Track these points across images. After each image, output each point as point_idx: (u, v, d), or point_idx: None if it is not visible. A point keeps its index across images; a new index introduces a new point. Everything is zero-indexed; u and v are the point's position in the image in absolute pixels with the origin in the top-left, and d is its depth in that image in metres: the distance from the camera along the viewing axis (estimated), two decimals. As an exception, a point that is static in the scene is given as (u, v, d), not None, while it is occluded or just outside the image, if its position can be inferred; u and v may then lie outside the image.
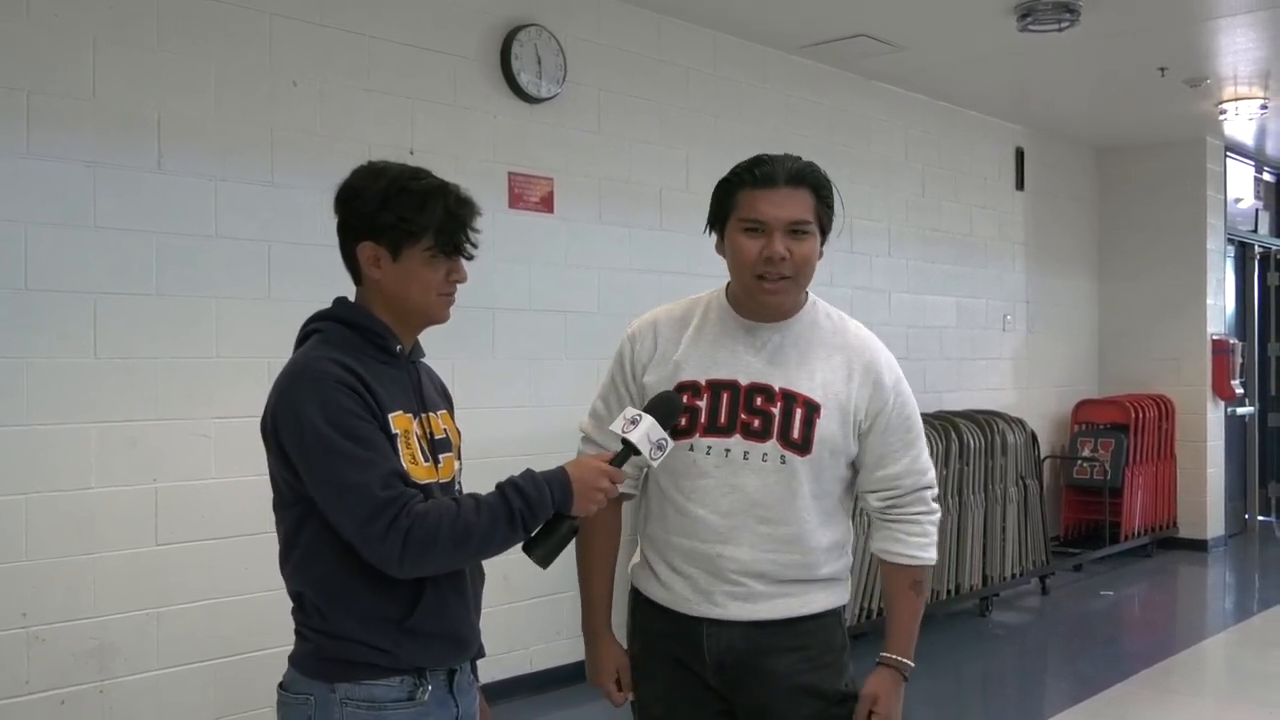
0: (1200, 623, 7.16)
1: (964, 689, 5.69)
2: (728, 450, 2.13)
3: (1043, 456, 7.76)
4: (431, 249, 1.91)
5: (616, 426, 2.00)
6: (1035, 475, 7.29)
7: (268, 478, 1.95)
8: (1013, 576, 7.00)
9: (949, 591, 6.42)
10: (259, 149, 4.22)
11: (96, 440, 3.82)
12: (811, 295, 2.25)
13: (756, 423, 2.12)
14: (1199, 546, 8.81)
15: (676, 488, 2.17)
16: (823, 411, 2.13)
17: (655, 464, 2.03)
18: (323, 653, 1.87)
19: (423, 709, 1.90)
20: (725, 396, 2.14)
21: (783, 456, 2.12)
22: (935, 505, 2.24)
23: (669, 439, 2.01)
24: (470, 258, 1.97)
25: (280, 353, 1.95)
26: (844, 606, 2.28)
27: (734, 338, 2.18)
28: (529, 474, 1.89)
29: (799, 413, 2.12)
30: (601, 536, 2.29)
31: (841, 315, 2.26)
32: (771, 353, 2.15)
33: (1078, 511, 8.58)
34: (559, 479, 1.90)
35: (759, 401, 2.13)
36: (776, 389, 2.13)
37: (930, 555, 2.22)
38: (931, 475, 2.24)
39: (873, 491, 2.21)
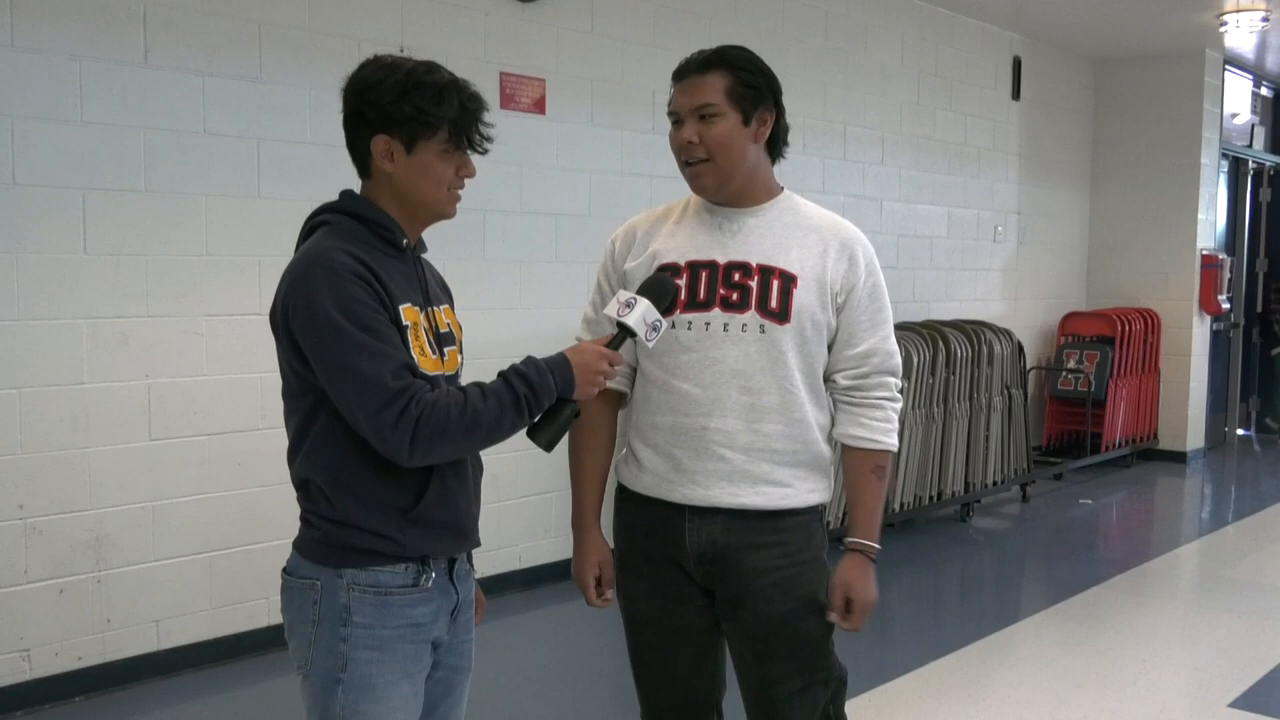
0: (1175, 531, 7.31)
1: (943, 590, 5.82)
2: (707, 324, 2.16)
3: (1028, 367, 7.83)
4: (446, 143, 1.91)
5: (611, 310, 2.03)
6: (1020, 385, 7.37)
7: (259, 376, 1.97)
8: (994, 484, 7.11)
9: (931, 497, 6.53)
10: (247, 44, 4.16)
11: (88, 336, 3.84)
12: (788, 190, 2.28)
13: (735, 296, 2.16)
14: (1178, 458, 8.94)
15: (659, 366, 2.20)
16: (799, 282, 2.16)
17: (650, 344, 2.06)
18: (329, 539, 1.91)
19: (426, 595, 1.95)
20: (704, 274, 2.18)
21: (762, 326, 2.15)
22: (898, 393, 2.27)
23: (663, 320, 2.05)
24: (483, 152, 1.97)
25: (269, 251, 1.95)
26: (825, 505, 2.32)
27: (711, 224, 2.22)
28: (531, 360, 1.93)
29: (776, 284, 2.15)
30: (593, 433, 2.32)
31: (816, 205, 2.30)
32: (747, 234, 2.19)
33: (1060, 422, 8.69)
34: (560, 364, 1.93)
35: (737, 276, 2.17)
36: (754, 264, 2.17)
37: (892, 441, 2.24)
38: (898, 360, 2.27)
39: (839, 371, 2.23)
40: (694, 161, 2.17)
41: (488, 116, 1.97)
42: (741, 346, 2.15)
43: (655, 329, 2.03)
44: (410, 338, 1.88)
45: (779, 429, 2.18)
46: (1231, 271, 9.35)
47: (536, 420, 1.94)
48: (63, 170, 3.76)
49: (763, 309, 2.15)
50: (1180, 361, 8.92)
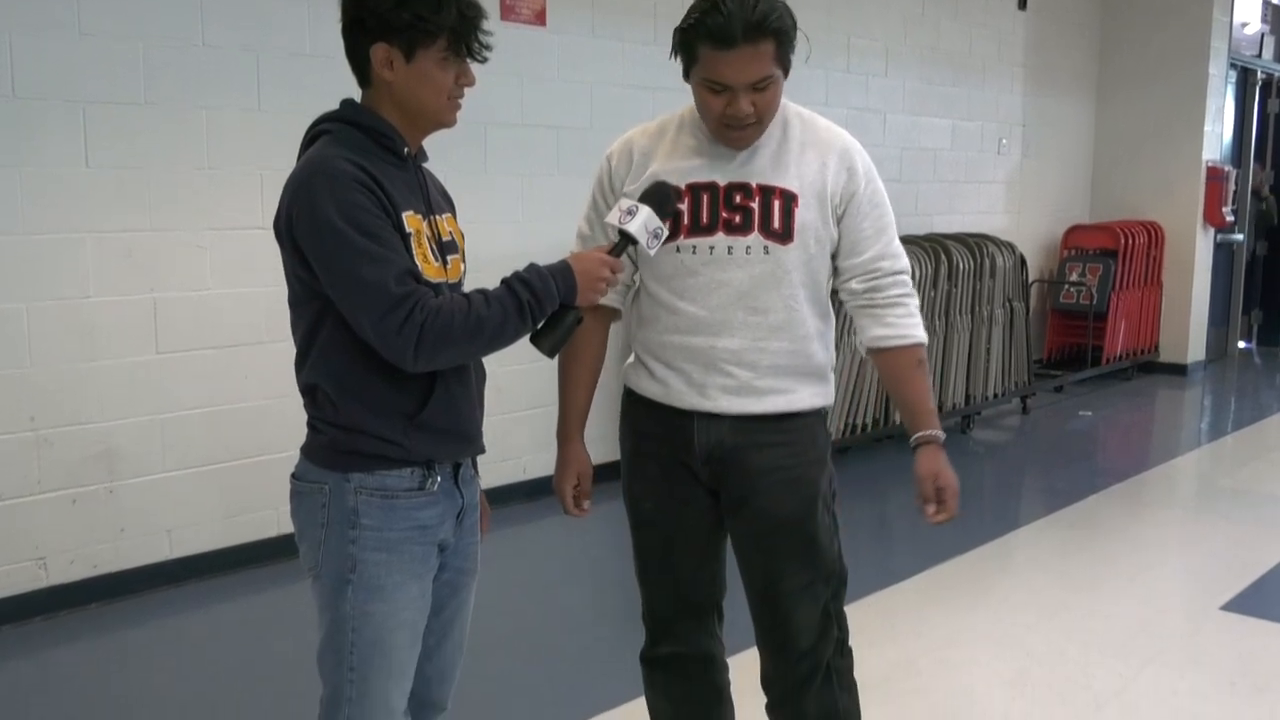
0: (1174, 442, 7.38)
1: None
2: (712, 248, 2.17)
3: (1030, 280, 7.83)
4: (445, 51, 1.90)
5: (613, 218, 2.04)
6: (1022, 298, 7.38)
7: (264, 289, 1.99)
8: (995, 396, 7.16)
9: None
10: (244, -47, 4.11)
11: (92, 250, 3.85)
12: (785, 100, 2.24)
13: (737, 218, 2.16)
14: (1179, 371, 8.99)
15: (667, 288, 2.22)
16: (800, 200, 2.16)
17: (652, 252, 2.08)
18: (336, 444, 1.94)
19: (432, 498, 1.98)
20: (705, 197, 2.18)
21: (765, 247, 2.16)
22: (913, 289, 2.28)
23: (664, 228, 2.06)
24: (483, 61, 1.97)
25: (271, 163, 1.96)
26: (829, 408, 2.35)
27: (709, 144, 2.21)
28: (534, 267, 1.94)
29: (777, 204, 2.16)
30: (584, 348, 2.32)
31: (812, 115, 2.28)
32: (747, 155, 2.19)
33: (1062, 335, 8.71)
34: (562, 270, 1.95)
35: (738, 199, 2.17)
36: (754, 185, 2.17)
37: (923, 334, 2.25)
38: (906, 262, 2.27)
39: (853, 278, 2.23)
40: (743, 125, 2.12)
41: (487, 25, 1.96)
42: (746, 269, 2.16)
43: (657, 236, 2.04)
44: (413, 245, 1.89)
45: (784, 345, 2.20)
46: (1237, 184, 9.30)
47: (539, 327, 1.96)
48: (62, 83, 3.73)
49: (765, 230, 2.16)
50: (1183, 274, 8.91)
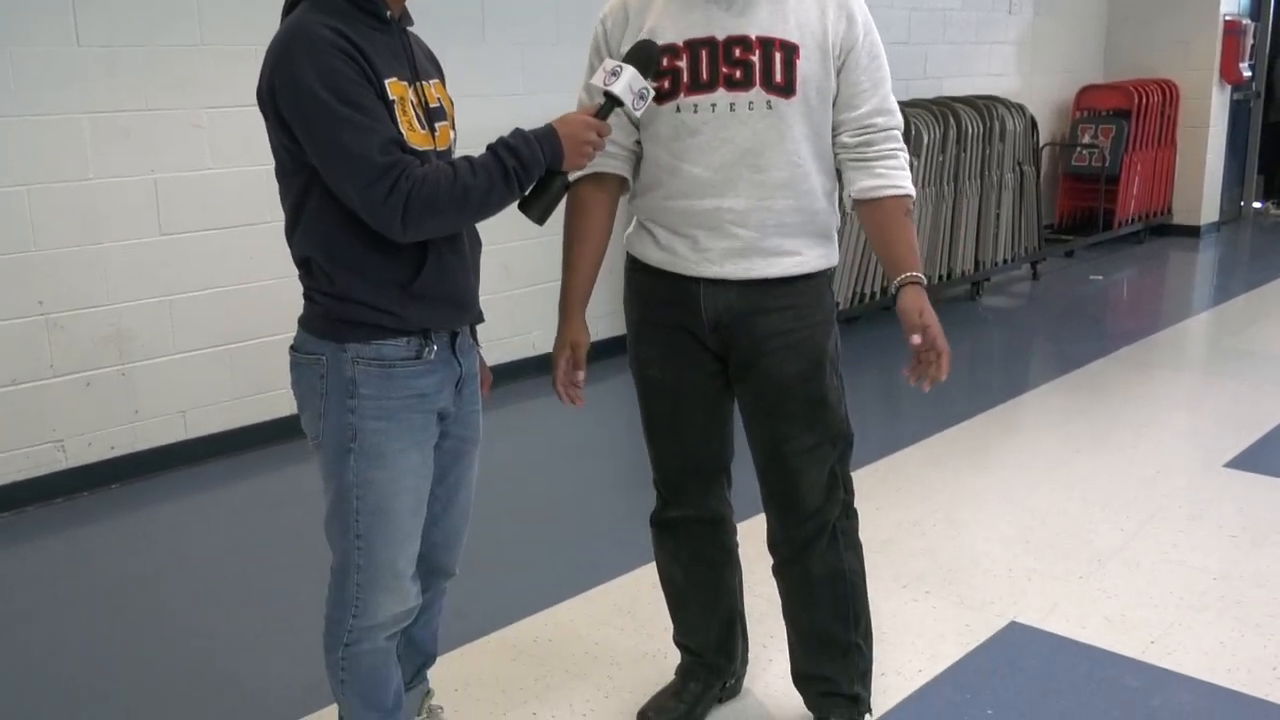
0: (1185, 304, 7.35)
1: (952, 366, 5.91)
2: (713, 105, 2.13)
3: (1042, 144, 7.72)
4: None
5: (598, 80, 2.00)
6: (1033, 162, 7.28)
7: (265, 168, 1.96)
8: (1005, 262, 7.12)
9: (940, 276, 6.56)
10: None
11: (89, 131, 3.81)
12: None
13: (738, 73, 2.12)
14: (1192, 233, 8.91)
15: (668, 150, 2.19)
16: (801, 51, 2.12)
17: (638, 114, 2.04)
18: (331, 314, 1.95)
19: (429, 366, 2.00)
20: (704, 53, 2.13)
21: (768, 102, 2.12)
22: (904, 145, 2.25)
23: (650, 87, 2.02)
24: None
25: (267, 37, 1.91)
26: (834, 270, 2.33)
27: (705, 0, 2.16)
28: (519, 132, 1.92)
29: (778, 56, 2.11)
30: (590, 219, 2.29)
31: None
32: (744, 5, 2.13)
33: (1074, 199, 8.62)
34: (548, 135, 1.93)
35: (738, 53, 2.12)
36: (753, 37, 2.12)
37: (911, 187, 2.23)
38: (899, 118, 2.24)
39: (845, 130, 2.20)
40: None
41: None
42: (749, 125, 2.12)
43: (642, 97, 2.00)
44: (397, 112, 1.86)
45: (789, 203, 2.17)
46: (1255, 38, 9.07)
47: (527, 194, 1.94)
48: (46, -42, 3.65)
49: (767, 84, 2.11)
50: (1198, 134, 8.76)
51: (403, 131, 1.86)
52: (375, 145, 1.79)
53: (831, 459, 2.32)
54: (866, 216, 2.27)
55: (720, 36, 2.13)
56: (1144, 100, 8.35)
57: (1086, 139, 8.40)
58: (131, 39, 3.85)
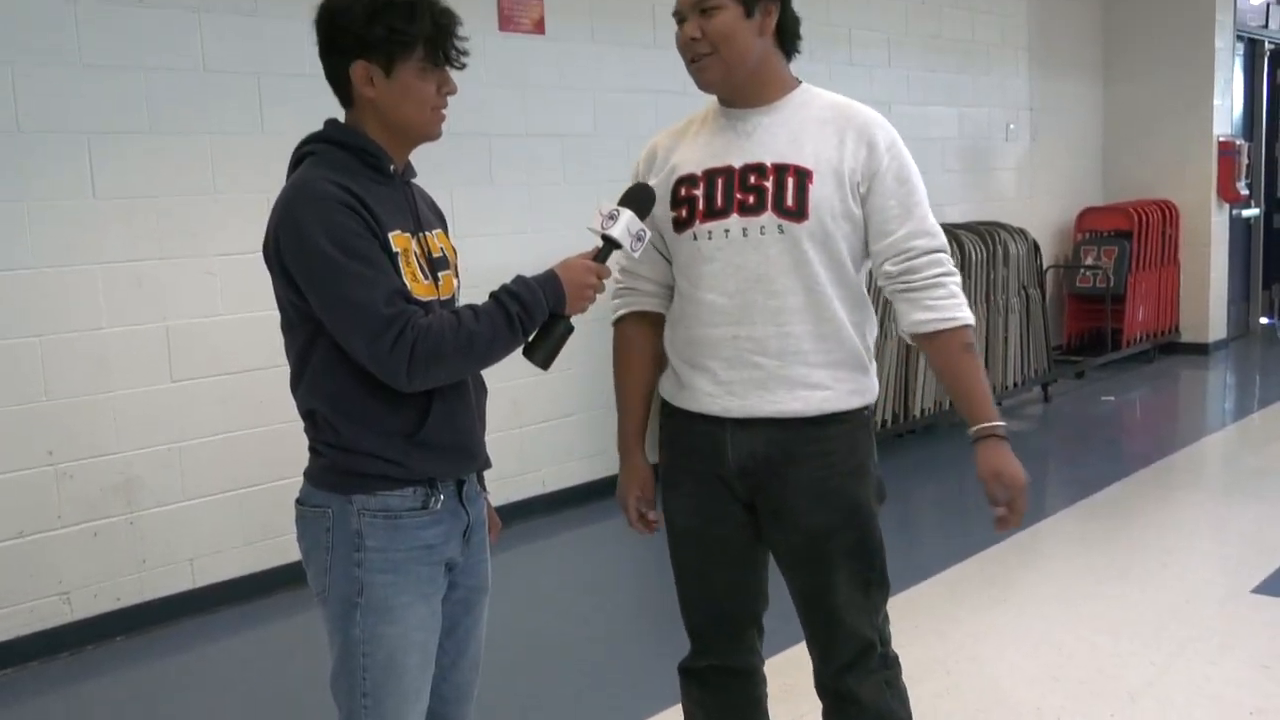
0: (1199, 423, 7.31)
1: (966, 494, 5.85)
2: (727, 231, 2.12)
3: (1045, 266, 7.78)
4: (423, 61, 1.89)
5: (595, 224, 2.00)
6: (1038, 285, 7.33)
7: (275, 313, 1.98)
8: (1015, 385, 7.11)
9: (952, 402, 6.52)
10: (240, -23, 4.11)
11: (104, 281, 3.86)
12: (805, 84, 2.23)
13: (751, 199, 2.12)
14: (1200, 350, 8.91)
15: (686, 280, 2.18)
16: (815, 177, 2.10)
17: (636, 255, 2.04)
18: (337, 466, 1.94)
19: (435, 517, 1.97)
20: (720, 181, 2.14)
21: (780, 226, 2.10)
22: (954, 268, 2.16)
23: (647, 230, 2.02)
24: (460, 67, 1.96)
25: (277, 186, 1.95)
26: (871, 407, 2.25)
27: (725, 130, 2.19)
28: (520, 279, 1.93)
29: (791, 181, 2.10)
30: (634, 353, 2.30)
31: (836, 96, 2.23)
32: (762, 134, 2.14)
33: (1081, 320, 8.64)
34: (549, 280, 1.93)
35: (753, 179, 2.12)
36: (769, 164, 2.12)
37: (966, 314, 2.12)
38: (943, 239, 2.16)
39: (885, 260, 2.14)
40: (697, 57, 2.12)
41: (462, 31, 1.94)
42: (761, 250, 2.11)
43: (640, 239, 2.01)
44: (401, 264, 1.88)
45: (808, 329, 2.13)
46: (1250, 157, 9.21)
47: (531, 339, 1.94)
48: (66, 115, 3.74)
49: (778, 208, 2.10)
50: (1200, 252, 8.83)
51: (406, 283, 1.88)
52: (380, 297, 1.81)
53: (868, 610, 2.23)
54: (927, 352, 2.20)
55: (737, 164, 2.14)
56: (1144, 221, 8.44)
57: (1090, 260, 8.47)
58: (146, 190, 3.93)
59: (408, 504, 1.94)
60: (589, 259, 1.99)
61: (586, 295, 1.96)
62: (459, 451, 2.00)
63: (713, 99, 2.25)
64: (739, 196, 2.12)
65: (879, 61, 6.83)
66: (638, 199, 2.05)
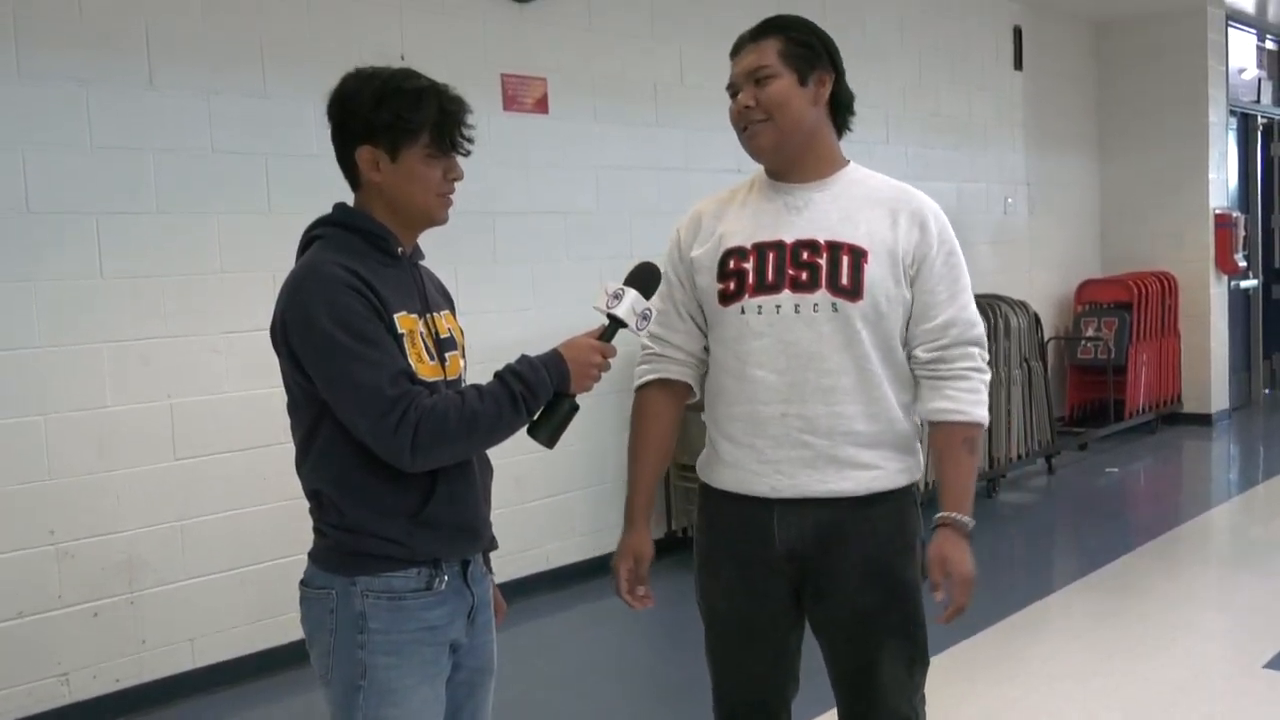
0: (1205, 494, 7.28)
1: (975, 568, 5.80)
2: (778, 306, 2.10)
3: (1046, 338, 7.80)
4: (429, 147, 1.92)
5: (600, 303, 1.99)
6: (1039, 357, 7.34)
7: (281, 390, 2.00)
8: (1019, 458, 7.09)
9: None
10: (250, 60, 4.18)
11: (109, 359, 3.87)
12: (854, 162, 2.24)
13: (804, 275, 2.10)
14: (1203, 421, 8.89)
15: (732, 354, 2.15)
16: (870, 257, 2.09)
17: (642, 335, 2.04)
18: (341, 547, 1.94)
19: (440, 598, 1.96)
20: (771, 255, 2.12)
21: (834, 304, 2.08)
22: (986, 365, 2.18)
23: (652, 309, 2.02)
24: (466, 154, 1.98)
25: (283, 265, 1.97)
26: (917, 485, 2.25)
27: (775, 202, 2.18)
28: (524, 359, 1.94)
29: (846, 259, 2.09)
30: (653, 425, 2.27)
31: (884, 176, 2.24)
32: (814, 210, 2.14)
33: (1083, 391, 8.65)
34: (554, 360, 1.94)
35: (805, 255, 2.11)
36: (822, 241, 2.11)
37: (981, 413, 2.14)
38: (981, 330, 2.18)
39: (920, 345, 2.14)
40: (749, 124, 2.13)
41: (470, 118, 1.97)
42: (814, 328, 2.09)
43: (645, 318, 2.00)
44: (407, 345, 1.90)
45: (859, 409, 2.11)
46: (1246, 229, 9.29)
47: (536, 418, 1.94)
48: (75, 196, 3.79)
49: (833, 287, 2.09)
50: (1200, 323, 8.86)
51: (412, 364, 1.89)
52: (385, 378, 1.82)
53: (910, 689, 2.21)
54: (932, 438, 2.20)
55: (788, 240, 2.13)
56: (1144, 292, 8.49)
57: (1090, 332, 8.50)
58: (154, 269, 3.96)
59: (411, 585, 1.94)
60: (594, 338, 1.99)
61: (591, 374, 1.96)
62: (463, 531, 2.00)
63: (759, 171, 2.25)
64: (791, 272, 2.11)
65: (878, 138, 6.92)
66: (643, 278, 2.04)
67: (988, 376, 2.19)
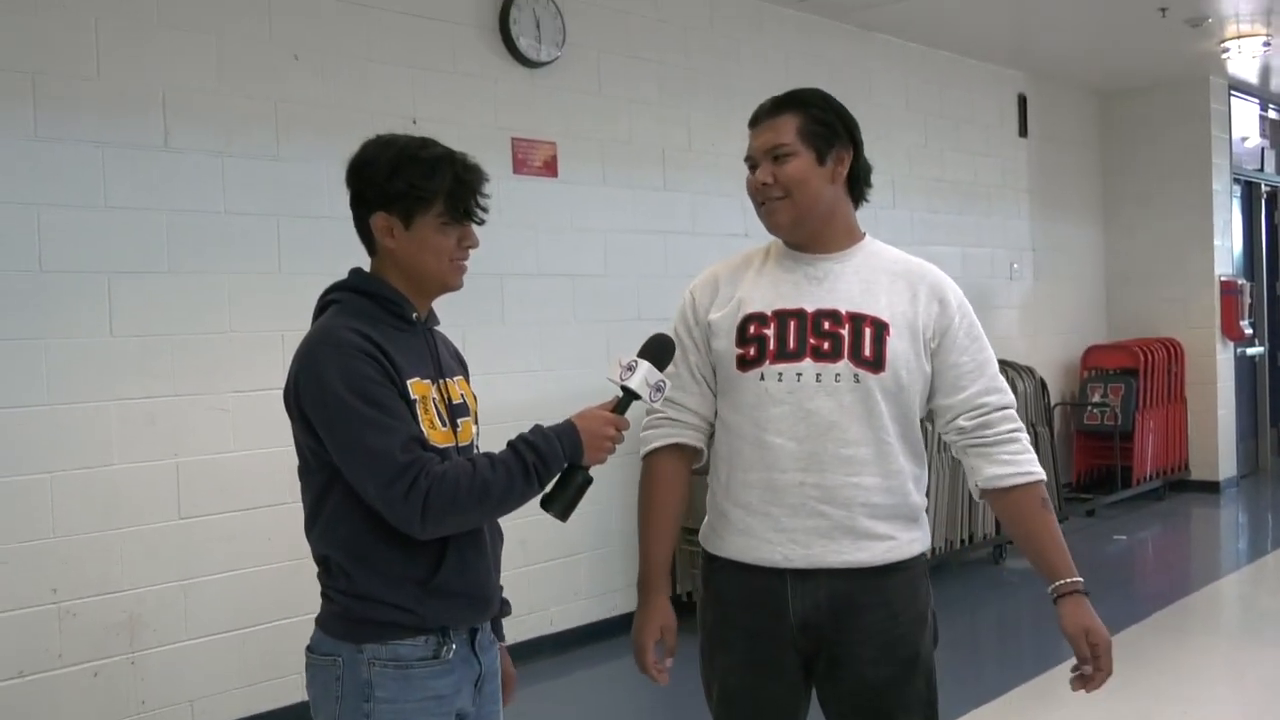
0: (1213, 563, 7.21)
1: (980, 636, 5.76)
2: (799, 374, 2.10)
3: (1053, 403, 7.79)
4: (443, 215, 1.93)
5: (614, 375, 1.99)
6: (1046, 422, 7.33)
7: (287, 449, 2.00)
8: (1026, 523, 7.03)
9: (963, 540, 6.47)
10: (264, 123, 4.24)
11: (117, 418, 3.88)
12: (868, 235, 2.25)
13: (826, 345, 2.10)
14: (1211, 488, 8.84)
15: (751, 421, 2.14)
16: (892, 330, 2.10)
17: (656, 404, 2.03)
18: (349, 614, 1.93)
19: (447, 667, 1.94)
20: (793, 323, 2.13)
21: (856, 375, 2.09)
22: (1022, 425, 2.18)
23: (666, 381, 2.02)
24: (481, 223, 2.00)
25: (292, 326, 1.99)
26: (927, 553, 2.23)
27: (795, 271, 2.18)
28: (538, 428, 1.93)
29: (868, 331, 2.10)
30: (666, 489, 2.24)
31: (897, 250, 2.26)
32: (834, 281, 2.15)
33: (1089, 457, 8.62)
34: (567, 431, 1.93)
35: (827, 325, 2.11)
36: (844, 312, 2.12)
37: (1040, 470, 2.14)
38: (1012, 396, 2.19)
39: (960, 415, 2.14)
40: (768, 200, 2.15)
41: (488, 187, 1.99)
42: (835, 397, 2.09)
43: (659, 389, 2.00)
44: (419, 411, 1.90)
45: (877, 481, 2.11)
46: (1252, 296, 9.31)
47: (549, 490, 1.93)
48: (87, 255, 3.81)
49: (855, 358, 2.10)
50: (1207, 390, 8.85)
51: (424, 430, 1.89)
52: (396, 444, 1.82)
53: None
54: (1000, 509, 2.19)
55: (810, 309, 2.14)
56: (1150, 359, 8.49)
57: (1097, 398, 8.49)
58: (163, 329, 3.98)
59: (419, 653, 1.92)
60: (608, 410, 1.98)
61: (605, 446, 1.95)
62: (473, 599, 1.99)
63: (776, 240, 2.26)
64: (812, 341, 2.11)
65: (884, 202, 6.97)
66: (656, 351, 2.03)
67: (1028, 437, 2.20)
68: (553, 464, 1.91)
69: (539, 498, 1.95)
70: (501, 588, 2.14)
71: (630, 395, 2.00)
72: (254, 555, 4.19)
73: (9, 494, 3.67)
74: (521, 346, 5.07)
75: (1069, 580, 2.12)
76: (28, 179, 3.70)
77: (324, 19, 4.41)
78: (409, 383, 1.90)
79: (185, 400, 4.03)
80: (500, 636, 2.16)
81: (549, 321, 5.17)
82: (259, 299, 4.19)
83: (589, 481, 1.97)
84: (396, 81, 4.62)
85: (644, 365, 2.00)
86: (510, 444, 1.92)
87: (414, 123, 4.50)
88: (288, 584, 4.22)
